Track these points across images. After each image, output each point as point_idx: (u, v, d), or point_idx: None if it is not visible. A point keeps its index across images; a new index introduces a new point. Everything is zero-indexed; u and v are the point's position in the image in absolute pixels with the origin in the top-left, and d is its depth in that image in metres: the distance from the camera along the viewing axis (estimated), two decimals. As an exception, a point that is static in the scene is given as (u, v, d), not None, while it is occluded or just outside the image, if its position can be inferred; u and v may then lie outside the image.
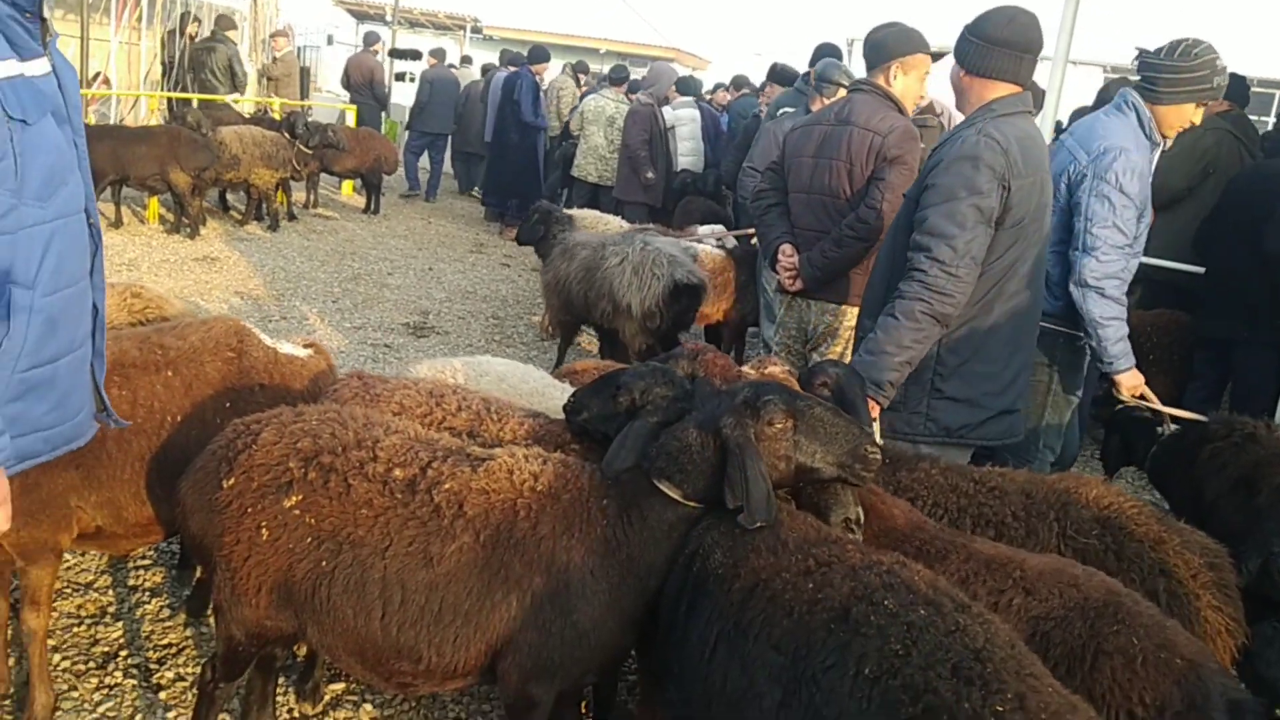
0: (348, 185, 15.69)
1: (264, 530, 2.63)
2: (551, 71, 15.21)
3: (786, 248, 5.06)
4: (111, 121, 13.53)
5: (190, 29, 15.62)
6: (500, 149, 13.88)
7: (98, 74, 14.39)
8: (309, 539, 2.60)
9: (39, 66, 2.19)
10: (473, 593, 2.53)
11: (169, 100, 14.20)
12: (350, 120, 16.22)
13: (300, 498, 2.62)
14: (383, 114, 17.53)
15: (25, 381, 2.24)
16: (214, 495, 2.71)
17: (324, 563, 2.58)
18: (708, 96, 14.59)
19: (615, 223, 9.26)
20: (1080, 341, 4.36)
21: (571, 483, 2.62)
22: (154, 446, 3.19)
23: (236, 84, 14.34)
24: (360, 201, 14.84)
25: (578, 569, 2.53)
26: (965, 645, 1.85)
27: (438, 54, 17.01)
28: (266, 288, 9.40)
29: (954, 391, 3.66)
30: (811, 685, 1.97)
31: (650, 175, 10.96)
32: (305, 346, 3.76)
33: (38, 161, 2.16)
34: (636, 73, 14.65)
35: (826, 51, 7.73)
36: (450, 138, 16.64)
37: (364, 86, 16.54)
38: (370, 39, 17.44)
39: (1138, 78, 4.35)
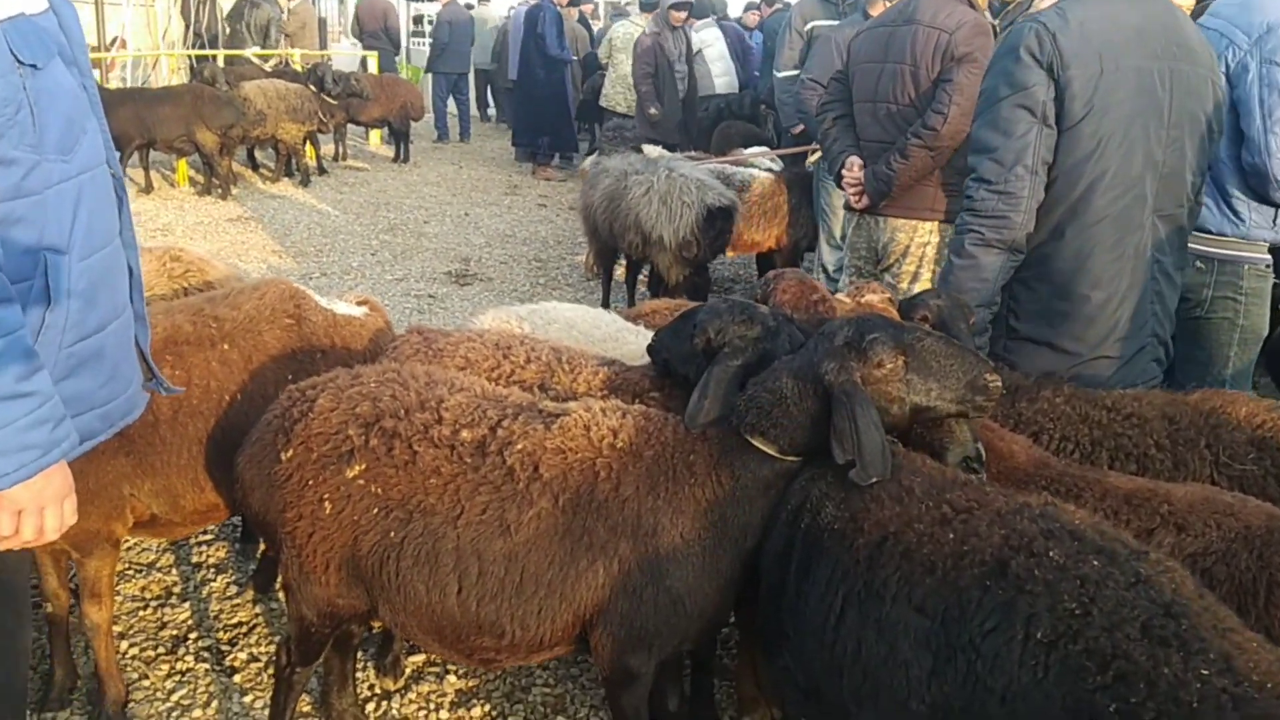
0: (375, 135, 15.43)
1: (327, 503, 2.43)
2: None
3: (853, 162, 4.75)
4: (130, 84, 13.30)
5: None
6: (527, 86, 13.49)
7: (115, 38, 14.15)
8: (375, 510, 2.40)
9: (36, 2, 1.94)
10: (555, 562, 2.32)
11: (191, 60, 13.96)
12: (372, 67, 15.91)
13: (363, 467, 2.41)
14: (397, 59, 17.15)
15: (75, 356, 2.02)
16: (273, 469, 2.51)
17: (392, 534, 2.38)
18: (737, 18, 14.07)
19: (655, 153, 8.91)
20: (1266, 265, 3.68)
21: (654, 438, 2.39)
22: (212, 428, 2.98)
23: (268, 45, 14.08)
24: (389, 151, 14.57)
25: (667, 532, 2.31)
26: (1152, 599, 1.60)
27: None
28: (303, 245, 9.21)
29: (1030, 331, 3.22)
30: (970, 652, 1.73)
31: (653, 111, 10.51)
32: (360, 304, 3.52)
33: (55, 110, 1.91)
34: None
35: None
36: (489, 75, 16.27)
37: (379, 32, 16.15)
38: None
39: None
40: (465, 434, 2.39)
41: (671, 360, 2.76)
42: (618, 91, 11.81)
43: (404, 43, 17.86)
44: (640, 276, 7.82)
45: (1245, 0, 3.55)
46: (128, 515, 2.97)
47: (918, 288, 4.69)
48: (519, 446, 2.36)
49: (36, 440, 1.79)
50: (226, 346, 3.07)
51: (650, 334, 3.39)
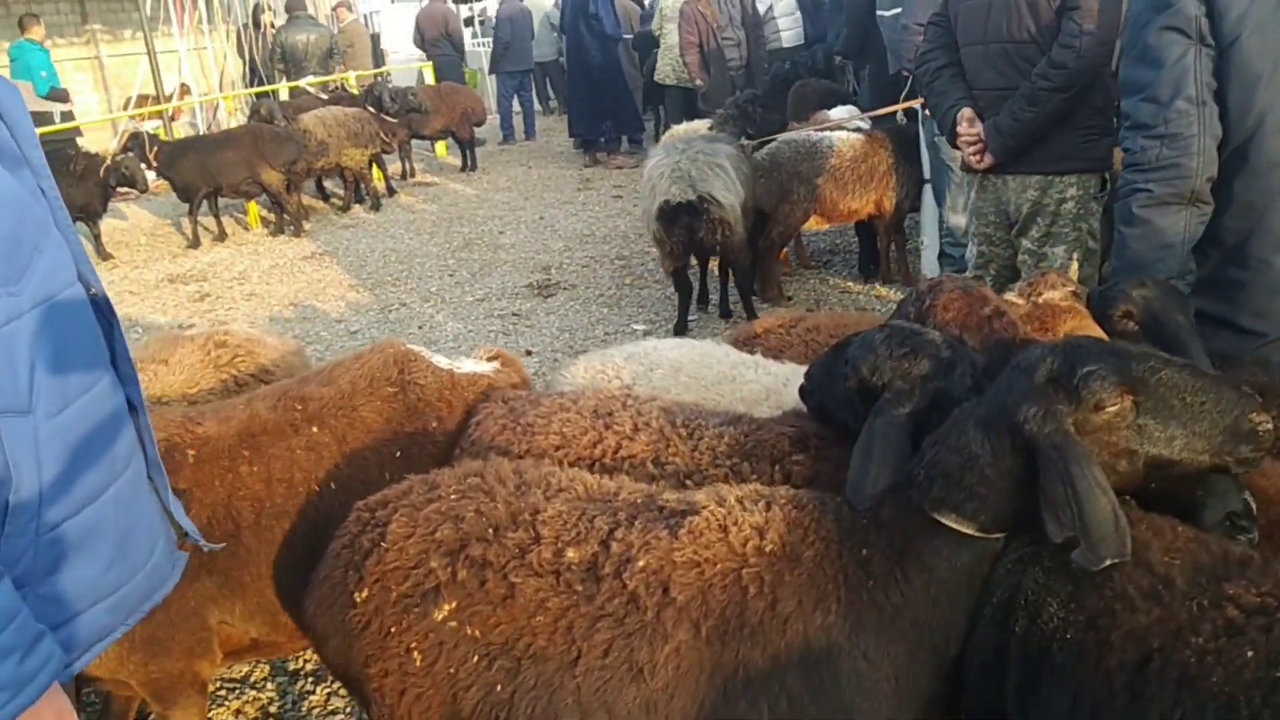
0: (441, 146, 15.12)
1: (416, 654, 1.98)
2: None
3: (967, 114, 4.14)
4: (200, 130, 13.22)
5: (265, 19, 15.19)
6: (582, 71, 12.96)
7: (176, 86, 14.11)
8: (474, 659, 1.94)
9: None
10: (706, 707, 1.82)
11: (251, 98, 13.84)
12: (428, 78, 15.60)
13: (453, 606, 1.95)
14: (464, 65, 16.80)
15: (61, 540, 1.57)
16: (347, 615, 2.07)
17: (499, 688, 1.91)
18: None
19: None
20: None
21: (813, 532, 1.87)
22: (303, 527, 2.58)
23: (329, 70, 13.85)
24: (456, 161, 14.23)
25: (846, 655, 1.79)
26: None
27: None
28: (380, 274, 8.88)
29: (1205, 305, 2.61)
30: None
31: (699, 83, 9.89)
32: (491, 359, 3.04)
33: None
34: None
35: None
36: (544, 67, 15.85)
37: (441, 39, 15.76)
38: None
39: None
40: (571, 554, 1.91)
41: (827, 405, 2.23)
42: (666, 64, 11.15)
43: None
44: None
45: None
46: (216, 649, 2.59)
47: (1062, 250, 4.06)
48: (641, 564, 1.86)
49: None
50: (315, 429, 2.66)
51: (769, 364, 2.88)
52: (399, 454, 2.63)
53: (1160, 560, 1.61)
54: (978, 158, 4.13)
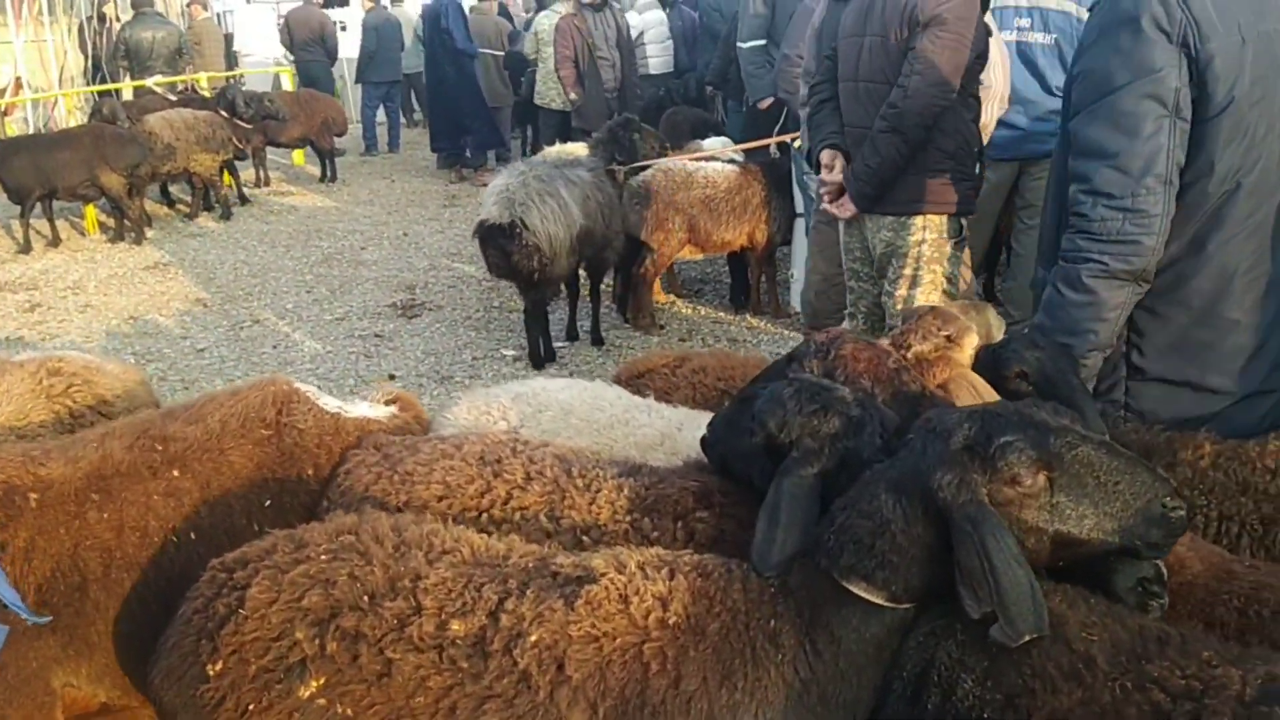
0: (298, 154, 14.53)
1: (279, 737, 1.77)
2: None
3: (825, 157, 4.16)
4: (33, 128, 12.30)
5: (110, 12, 14.33)
6: (438, 87, 12.70)
7: (15, 79, 13.12)
8: (347, 742, 1.75)
9: None
10: (607, 793, 1.68)
11: (93, 96, 12.99)
12: (285, 84, 15.02)
13: (321, 682, 1.76)
14: (335, 72, 16.21)
15: None
16: (198, 689, 1.84)
17: (376, 775, 1.73)
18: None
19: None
20: None
21: (719, 602, 1.75)
22: (160, 580, 2.31)
23: (178, 70, 13.10)
24: (315, 170, 13.70)
25: (754, 733, 1.68)
26: None
27: None
28: (231, 289, 8.41)
29: (1163, 370, 2.59)
30: None
31: (574, 96, 9.94)
32: (389, 402, 2.80)
33: None
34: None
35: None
36: (410, 80, 15.50)
37: (312, 43, 15.12)
38: None
39: None
40: (456, 626, 1.74)
41: (730, 459, 2.13)
42: (550, 87, 11.08)
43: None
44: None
45: None
46: (59, 716, 2.30)
47: (919, 294, 4.08)
48: (533, 638, 1.71)
49: None
50: (176, 473, 2.39)
51: (662, 408, 2.77)
52: (269, 503, 2.40)
53: (1079, 636, 1.57)
54: (832, 202, 4.16)
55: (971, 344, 2.51)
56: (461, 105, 12.60)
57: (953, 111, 3.87)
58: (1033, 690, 1.53)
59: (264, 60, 16.08)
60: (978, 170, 4.00)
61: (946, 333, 2.51)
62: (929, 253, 4.04)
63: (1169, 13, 2.34)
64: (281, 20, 16.74)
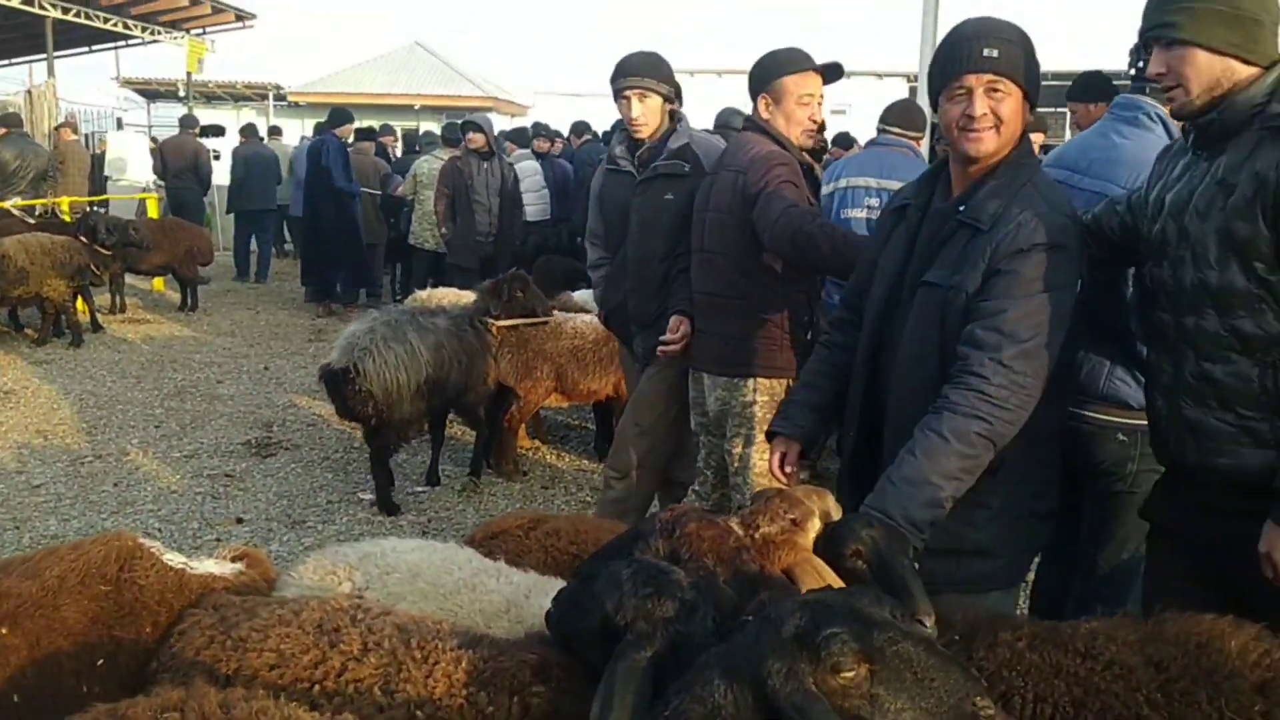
0: (158, 281, 14.20)
1: None
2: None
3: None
4: None
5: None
6: (315, 223, 12.73)
7: None
8: None
9: None
10: None
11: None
12: (149, 211, 14.80)
13: None
14: (206, 199, 16.14)
15: None
16: None
17: None
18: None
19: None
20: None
21: (555, 789, 1.76)
22: None
23: (41, 190, 12.74)
24: (175, 297, 13.39)
25: None
26: None
27: (248, 130, 15.96)
28: (74, 421, 8.05)
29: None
30: None
31: (443, 231, 10.39)
32: (236, 559, 2.72)
33: None
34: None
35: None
36: (282, 211, 15.60)
37: (186, 171, 15.15)
38: (189, 121, 16.11)
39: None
40: (281, 821, 1.69)
41: (572, 639, 2.15)
42: (425, 229, 11.26)
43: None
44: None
45: (1115, 157, 3.28)
46: None
47: (753, 452, 4.24)
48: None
49: None
50: (5, 631, 2.27)
51: (512, 572, 2.78)
52: (102, 663, 2.29)
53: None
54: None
55: (814, 528, 2.60)
56: (337, 242, 12.64)
57: (782, 281, 4.15)
58: None
59: (133, 186, 15.85)
60: (809, 337, 4.23)
61: (792, 516, 2.54)
62: (760, 414, 4.22)
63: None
64: (154, 146, 16.74)
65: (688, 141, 4.73)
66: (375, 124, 16.04)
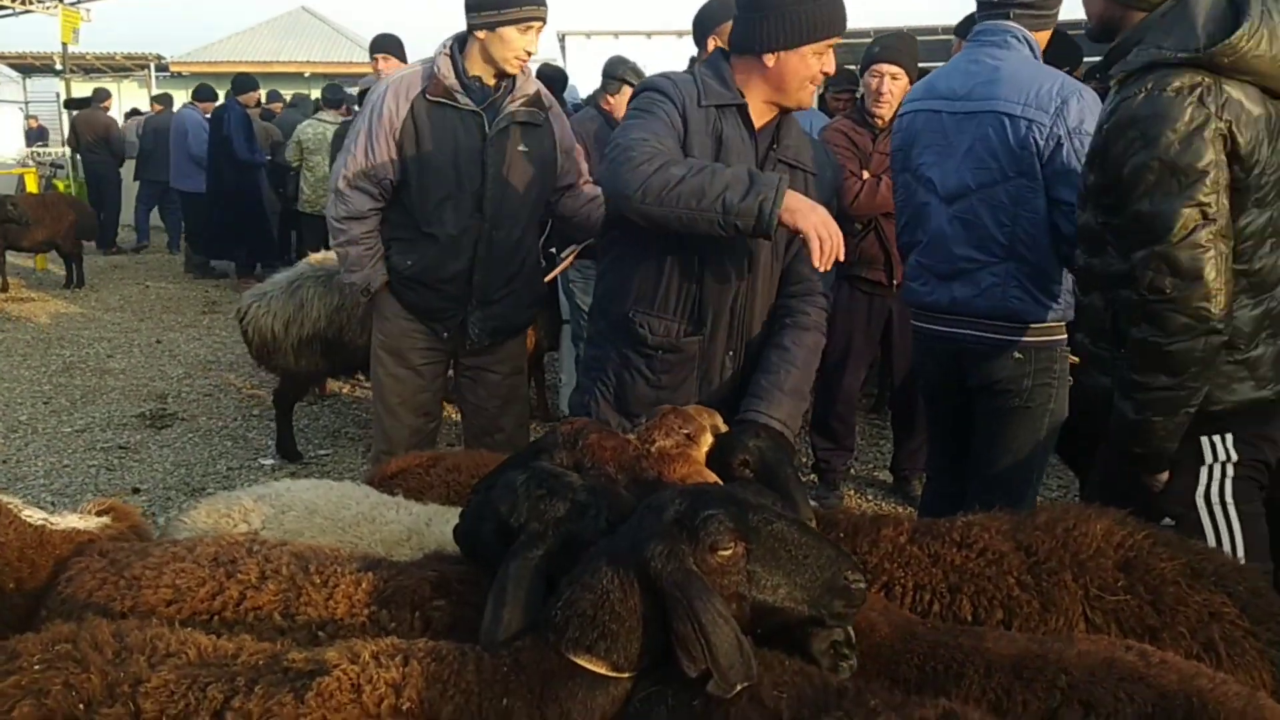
0: (40, 258, 13.65)
1: None
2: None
3: None
4: None
5: None
6: (217, 195, 12.38)
7: None
8: None
9: None
10: None
11: None
12: (29, 186, 14.22)
13: (31, 800, 1.68)
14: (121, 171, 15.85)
15: None
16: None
17: None
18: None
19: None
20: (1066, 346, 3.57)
21: (453, 685, 1.80)
22: None
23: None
24: (60, 274, 12.90)
25: (487, 813, 1.73)
26: None
27: (163, 100, 15.96)
28: (-44, 400, 7.75)
29: None
30: None
31: None
32: (101, 511, 2.65)
33: None
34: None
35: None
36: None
37: (99, 144, 15.17)
38: (101, 95, 16.00)
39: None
40: (181, 729, 1.71)
41: (475, 549, 2.20)
42: (318, 194, 11.00)
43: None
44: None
45: (996, 78, 3.42)
46: None
47: None
48: (263, 735, 1.71)
49: None
50: None
51: (411, 505, 2.82)
52: None
53: (770, 695, 1.72)
54: None
55: (707, 442, 2.69)
56: (241, 215, 12.33)
57: None
58: (729, 746, 1.67)
59: (6, 161, 15.29)
60: None
61: (686, 430, 2.67)
62: None
63: None
64: (35, 123, 16.50)
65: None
66: (263, 92, 15.62)
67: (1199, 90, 2.46)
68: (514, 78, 4.15)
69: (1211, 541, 2.72)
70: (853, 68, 7.52)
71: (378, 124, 4.10)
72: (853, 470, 6.13)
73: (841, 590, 1.83)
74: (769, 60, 2.94)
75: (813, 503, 2.76)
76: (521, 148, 4.22)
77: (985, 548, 2.32)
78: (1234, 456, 2.74)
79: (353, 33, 32.29)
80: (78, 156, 16.00)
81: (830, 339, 3.99)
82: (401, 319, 4.39)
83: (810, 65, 2.95)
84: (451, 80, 4.07)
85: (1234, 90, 2.48)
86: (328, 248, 8.76)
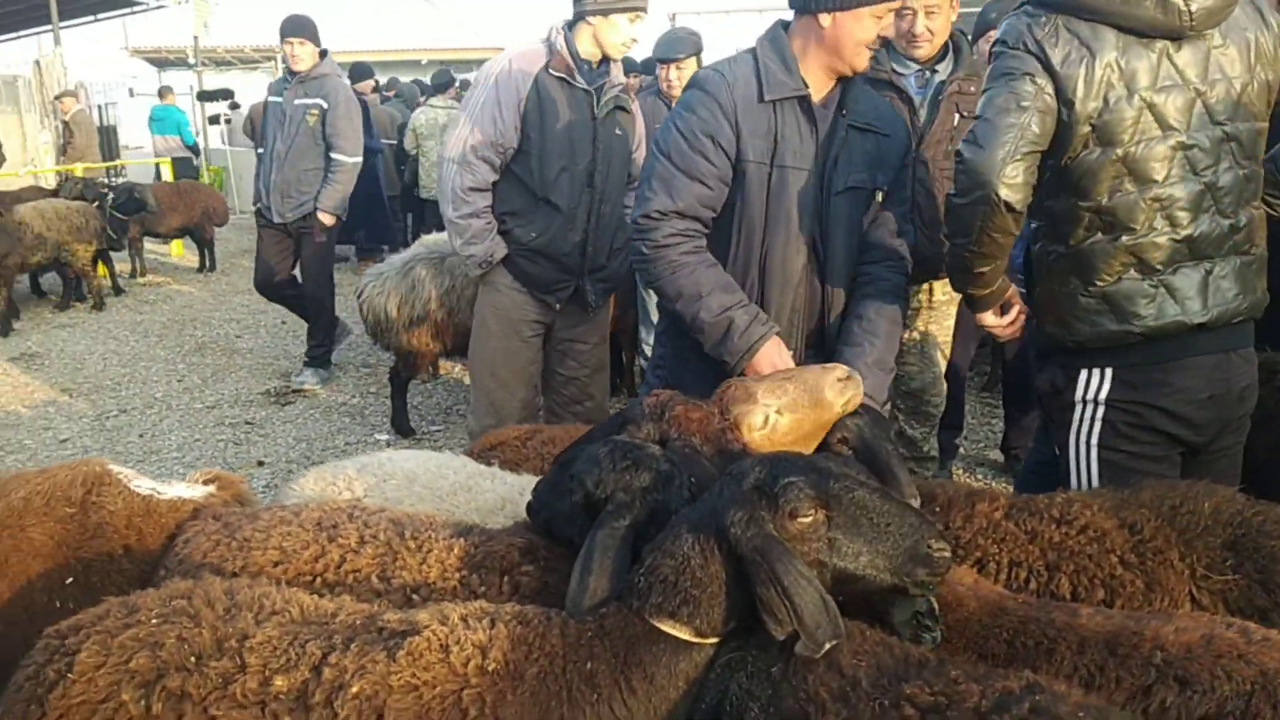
0: (176, 245, 14.35)
1: (102, 802, 1.79)
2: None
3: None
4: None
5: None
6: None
7: None
8: (170, 803, 1.78)
9: None
10: (424, 840, 1.75)
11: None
12: (167, 175, 14.94)
13: (147, 745, 1.79)
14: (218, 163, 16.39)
15: None
16: (25, 757, 1.85)
17: (198, 834, 1.76)
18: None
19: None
20: None
21: (537, 648, 1.86)
22: None
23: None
24: (194, 261, 13.55)
25: (571, 773, 1.78)
26: None
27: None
28: (98, 379, 8.24)
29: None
30: None
31: None
32: (208, 481, 2.80)
33: None
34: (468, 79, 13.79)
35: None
36: None
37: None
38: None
39: None
40: (280, 682, 1.80)
41: (553, 522, 2.25)
42: (432, 179, 11.29)
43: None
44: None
45: None
46: None
47: None
48: (355, 689, 1.79)
49: None
50: None
51: (506, 475, 2.89)
52: (71, 581, 2.41)
53: (849, 663, 1.72)
54: None
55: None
56: (361, 198, 12.68)
57: None
58: (807, 714, 1.67)
59: (150, 151, 16.07)
60: None
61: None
62: None
63: None
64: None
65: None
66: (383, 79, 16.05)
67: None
68: (607, 64, 4.37)
69: (1073, 485, 2.76)
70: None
71: (506, 95, 4.24)
72: (962, 449, 5.99)
73: (924, 558, 1.81)
74: (824, 20, 2.93)
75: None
76: (618, 131, 4.48)
77: (1086, 525, 2.26)
78: (1104, 394, 2.72)
79: (468, 20, 32.81)
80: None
81: None
82: (515, 291, 4.55)
83: (867, 29, 2.90)
84: (569, 59, 4.26)
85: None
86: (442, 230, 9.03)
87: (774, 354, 2.90)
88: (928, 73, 4.13)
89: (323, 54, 7.56)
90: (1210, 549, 2.14)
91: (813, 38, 2.98)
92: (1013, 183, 2.55)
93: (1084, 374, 2.73)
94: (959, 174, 2.66)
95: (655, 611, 1.84)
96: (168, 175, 15.21)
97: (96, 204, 10.92)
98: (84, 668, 1.87)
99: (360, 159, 7.70)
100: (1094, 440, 2.71)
